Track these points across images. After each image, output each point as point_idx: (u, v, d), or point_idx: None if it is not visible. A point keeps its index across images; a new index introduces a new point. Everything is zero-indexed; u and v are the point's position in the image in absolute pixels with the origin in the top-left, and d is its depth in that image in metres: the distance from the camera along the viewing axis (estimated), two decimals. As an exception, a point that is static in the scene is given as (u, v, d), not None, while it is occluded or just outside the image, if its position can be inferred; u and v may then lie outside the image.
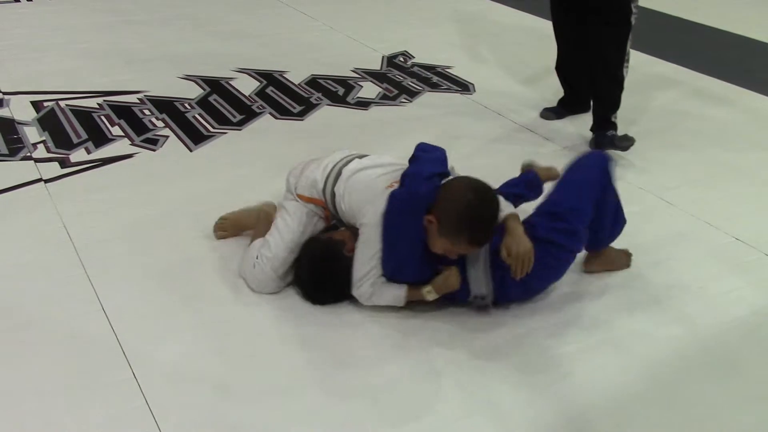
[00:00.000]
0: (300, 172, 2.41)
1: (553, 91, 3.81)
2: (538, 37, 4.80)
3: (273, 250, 2.30)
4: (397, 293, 2.21)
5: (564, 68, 3.70)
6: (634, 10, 3.18)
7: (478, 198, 2.10)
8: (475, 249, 2.15)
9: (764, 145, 3.54)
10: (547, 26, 5.22)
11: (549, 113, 3.73)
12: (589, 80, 3.46)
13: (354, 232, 2.25)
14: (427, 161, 2.26)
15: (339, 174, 2.31)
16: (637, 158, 3.29)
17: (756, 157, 3.40)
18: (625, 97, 3.38)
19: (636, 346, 2.19)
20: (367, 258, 2.18)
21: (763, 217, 2.89)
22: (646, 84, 4.13)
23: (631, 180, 3.11)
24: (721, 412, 1.97)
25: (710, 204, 2.96)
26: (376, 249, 2.17)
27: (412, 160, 2.29)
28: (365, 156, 2.40)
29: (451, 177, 2.24)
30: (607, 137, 3.34)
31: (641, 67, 4.07)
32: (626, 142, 3.32)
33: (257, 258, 2.31)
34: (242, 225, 2.59)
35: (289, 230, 2.33)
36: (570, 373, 2.07)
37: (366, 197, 2.21)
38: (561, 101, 3.77)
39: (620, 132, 3.36)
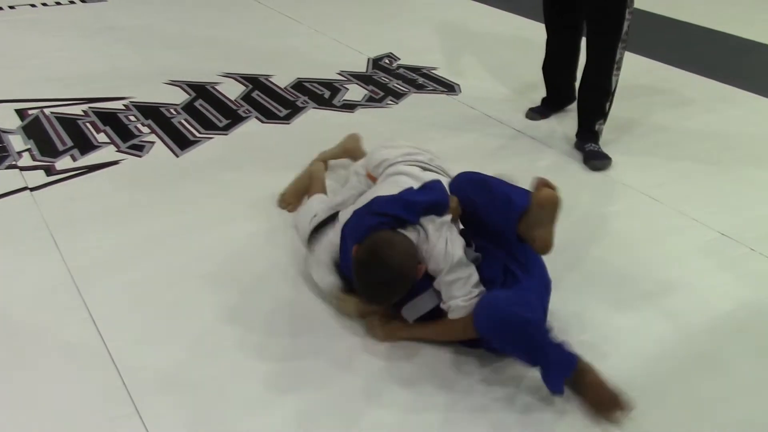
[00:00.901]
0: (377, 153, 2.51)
1: (539, 91, 3.81)
2: (524, 38, 4.82)
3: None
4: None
5: (551, 70, 3.66)
6: (627, 16, 3.09)
7: (369, 262, 2.00)
8: (372, 305, 2.14)
9: (749, 141, 3.57)
10: (532, 26, 5.25)
11: (534, 114, 3.71)
12: (579, 87, 3.42)
13: None
14: (403, 199, 2.14)
15: (390, 166, 2.40)
16: (622, 155, 3.31)
17: (740, 153, 3.43)
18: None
19: (624, 341, 2.20)
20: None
21: (748, 212, 2.91)
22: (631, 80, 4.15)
23: (616, 177, 3.12)
24: (709, 407, 1.99)
25: (696, 200, 2.97)
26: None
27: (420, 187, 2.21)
28: (428, 168, 2.38)
29: (387, 228, 2.08)
30: (585, 151, 3.30)
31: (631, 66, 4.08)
32: (599, 162, 3.23)
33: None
34: (300, 191, 2.80)
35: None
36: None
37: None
38: (544, 100, 3.76)
39: (604, 141, 3.33)
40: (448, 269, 2.05)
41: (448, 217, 2.12)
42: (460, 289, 2.05)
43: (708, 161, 3.32)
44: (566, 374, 1.94)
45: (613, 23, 3.10)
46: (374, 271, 1.99)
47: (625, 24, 3.10)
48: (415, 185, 2.22)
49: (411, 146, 2.52)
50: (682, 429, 1.92)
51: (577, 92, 3.46)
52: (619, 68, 3.23)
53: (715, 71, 4.37)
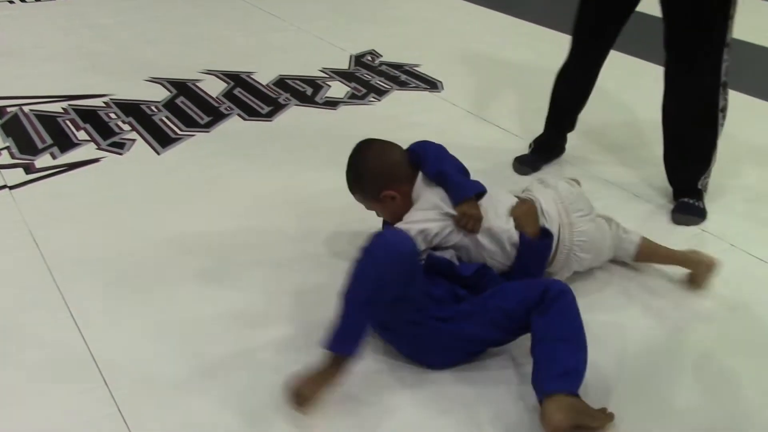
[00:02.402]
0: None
1: (522, 87, 3.81)
2: (507, 34, 4.83)
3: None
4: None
5: (568, 80, 3.07)
6: (725, 57, 2.58)
7: (356, 150, 2.28)
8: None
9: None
10: (515, 24, 5.28)
11: (522, 166, 3.13)
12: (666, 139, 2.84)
13: None
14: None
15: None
16: (606, 150, 3.32)
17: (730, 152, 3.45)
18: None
19: (607, 339, 2.20)
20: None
21: (730, 209, 2.92)
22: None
23: (597, 172, 3.14)
24: (691, 404, 2.00)
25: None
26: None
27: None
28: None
29: None
30: (678, 202, 2.84)
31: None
32: (686, 216, 2.80)
33: None
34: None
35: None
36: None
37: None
38: (538, 142, 3.23)
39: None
40: (420, 206, 2.16)
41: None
42: (412, 216, 2.14)
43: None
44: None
45: (710, 58, 2.57)
46: (353, 153, 2.27)
47: (724, 65, 2.58)
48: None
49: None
50: (663, 428, 1.93)
51: (664, 147, 2.88)
52: (725, 92, 2.66)
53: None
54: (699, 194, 2.83)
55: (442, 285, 2.05)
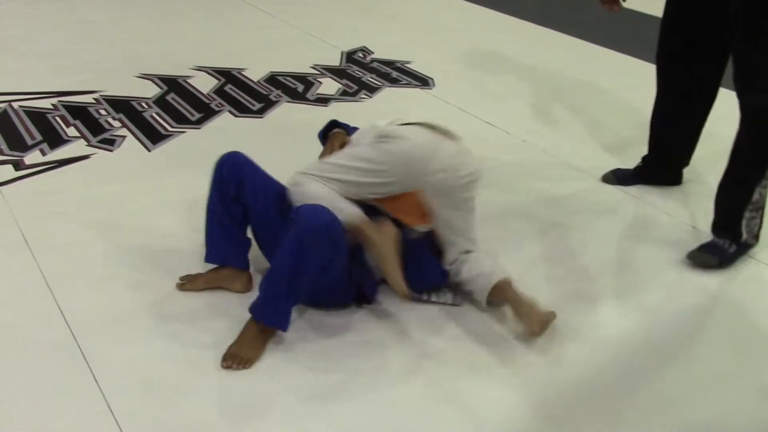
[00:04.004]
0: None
1: (514, 85, 3.81)
2: (498, 31, 4.84)
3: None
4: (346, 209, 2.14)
5: (663, 120, 2.86)
6: None
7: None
8: None
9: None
10: (507, 21, 5.28)
11: (613, 178, 3.02)
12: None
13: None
14: None
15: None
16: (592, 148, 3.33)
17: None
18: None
19: (596, 334, 2.21)
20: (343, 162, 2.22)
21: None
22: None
23: (581, 167, 3.14)
24: (681, 397, 2.00)
25: (664, 193, 3.00)
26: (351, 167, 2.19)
27: None
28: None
29: None
30: (707, 243, 2.56)
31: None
32: (704, 256, 2.53)
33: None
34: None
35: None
36: (533, 363, 2.09)
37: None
38: (645, 160, 3.02)
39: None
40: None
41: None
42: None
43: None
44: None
45: None
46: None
47: None
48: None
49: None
50: (652, 421, 1.94)
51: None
52: None
53: None
54: (737, 236, 2.52)
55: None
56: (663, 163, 3.00)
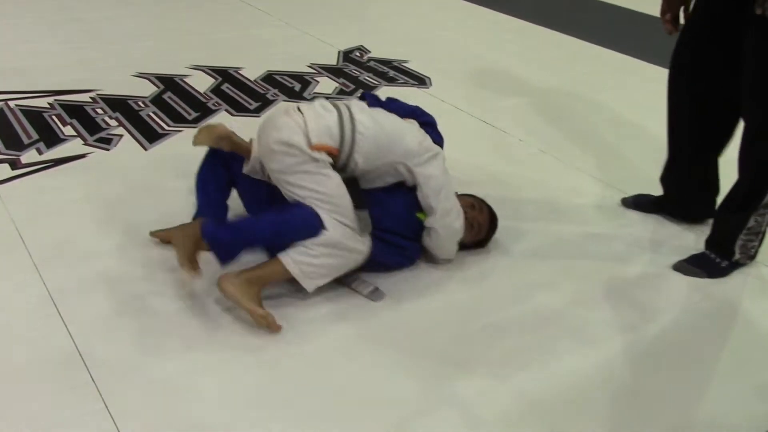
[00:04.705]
0: (302, 124, 2.23)
1: (510, 83, 3.82)
2: (496, 30, 4.84)
3: (347, 208, 2.23)
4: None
5: (677, 174, 2.73)
6: None
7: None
8: None
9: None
10: (503, 20, 5.28)
11: (632, 203, 2.89)
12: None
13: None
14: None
15: (352, 117, 2.29)
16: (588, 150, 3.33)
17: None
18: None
19: (592, 335, 2.21)
20: (450, 190, 2.39)
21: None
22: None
23: (582, 167, 3.14)
24: (678, 396, 2.01)
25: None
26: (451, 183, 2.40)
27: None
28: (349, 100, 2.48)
29: None
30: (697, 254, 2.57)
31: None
32: (691, 268, 2.54)
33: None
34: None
35: (334, 183, 2.23)
36: (527, 364, 2.09)
37: (402, 130, 2.37)
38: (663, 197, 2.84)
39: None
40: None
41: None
42: None
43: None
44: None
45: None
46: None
47: None
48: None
49: (303, 107, 2.34)
50: (649, 421, 1.94)
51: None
52: None
53: None
54: (729, 254, 2.52)
55: None
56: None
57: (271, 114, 2.40)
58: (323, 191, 2.19)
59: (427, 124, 2.53)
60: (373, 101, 2.56)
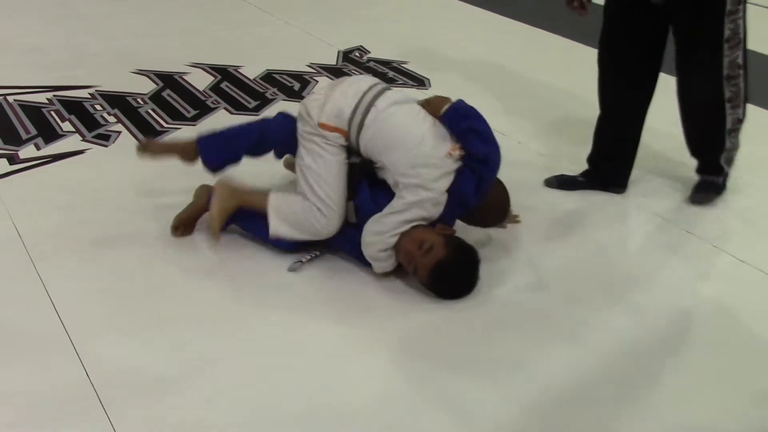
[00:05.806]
0: (324, 100, 2.43)
1: (509, 85, 3.80)
2: (494, 32, 4.84)
3: (326, 191, 2.36)
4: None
5: (610, 126, 2.96)
6: (728, 28, 2.58)
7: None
8: None
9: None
10: (502, 22, 5.28)
11: (561, 182, 3.03)
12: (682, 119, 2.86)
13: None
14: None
15: (370, 106, 2.38)
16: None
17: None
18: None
19: (587, 336, 2.22)
20: (400, 221, 2.28)
21: (713, 209, 2.94)
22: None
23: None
24: (674, 401, 2.01)
25: (658, 194, 3.00)
26: (411, 220, 2.28)
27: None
28: (391, 88, 2.53)
29: None
30: (699, 181, 2.93)
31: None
32: (703, 195, 2.91)
33: (314, 208, 2.36)
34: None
35: (327, 165, 2.39)
36: (521, 365, 2.09)
37: (405, 141, 2.33)
38: (589, 168, 3.04)
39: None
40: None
41: None
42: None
43: (678, 164, 3.33)
44: None
45: (712, 37, 2.60)
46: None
47: (726, 40, 2.59)
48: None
49: (347, 83, 2.51)
50: (646, 425, 1.94)
51: (683, 126, 2.88)
52: (736, 103, 2.72)
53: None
54: (720, 170, 2.89)
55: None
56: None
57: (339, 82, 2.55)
58: (314, 169, 2.37)
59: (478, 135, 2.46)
60: (456, 114, 2.48)
